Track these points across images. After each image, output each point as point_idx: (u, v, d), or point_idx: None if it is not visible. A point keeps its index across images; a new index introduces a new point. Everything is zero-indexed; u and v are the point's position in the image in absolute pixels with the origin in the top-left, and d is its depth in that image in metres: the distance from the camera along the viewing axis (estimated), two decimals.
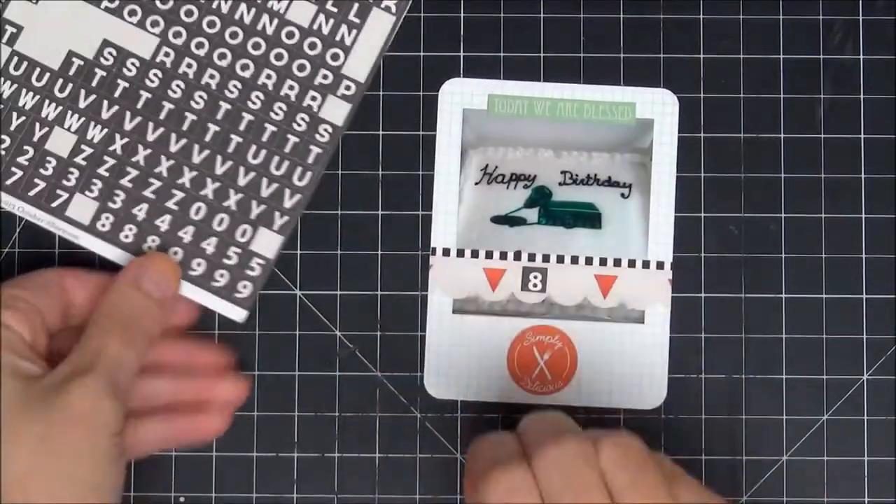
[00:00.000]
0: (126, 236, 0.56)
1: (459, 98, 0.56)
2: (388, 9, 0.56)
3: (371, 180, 0.56)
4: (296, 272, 0.56)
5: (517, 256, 0.55)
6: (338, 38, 0.56)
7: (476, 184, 0.56)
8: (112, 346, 0.50)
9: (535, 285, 0.55)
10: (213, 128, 0.56)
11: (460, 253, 0.55)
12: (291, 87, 0.56)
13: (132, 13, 0.57)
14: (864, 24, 0.56)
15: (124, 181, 0.56)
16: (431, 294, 0.55)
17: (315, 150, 0.56)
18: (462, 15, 0.57)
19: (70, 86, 0.56)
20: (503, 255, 0.55)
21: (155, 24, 0.57)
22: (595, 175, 0.56)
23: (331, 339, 0.56)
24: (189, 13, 0.57)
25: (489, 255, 0.55)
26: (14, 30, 0.56)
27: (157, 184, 0.56)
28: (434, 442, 0.55)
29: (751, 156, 0.56)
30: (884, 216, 0.55)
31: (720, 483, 0.55)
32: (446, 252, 0.55)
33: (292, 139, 0.56)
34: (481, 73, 0.56)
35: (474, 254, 0.55)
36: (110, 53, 0.56)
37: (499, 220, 0.55)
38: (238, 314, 0.55)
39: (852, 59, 0.56)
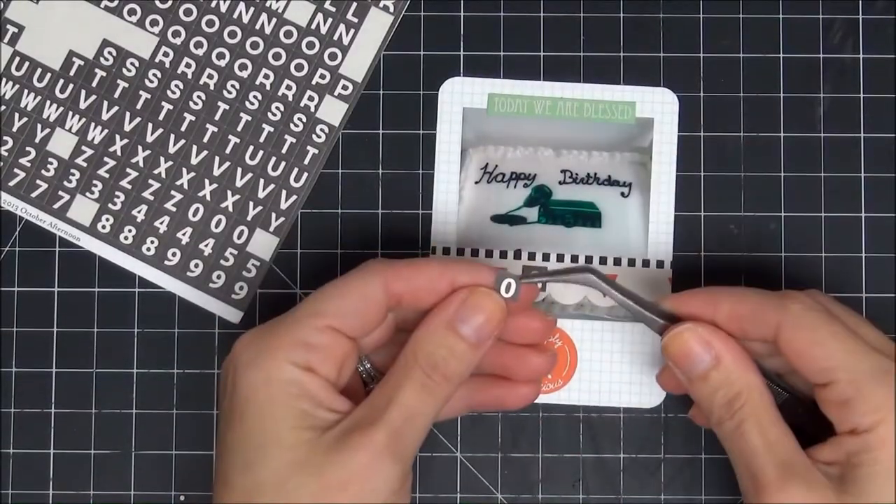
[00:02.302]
0: (126, 237, 0.56)
1: (459, 97, 0.56)
2: (386, 8, 0.56)
3: (371, 179, 0.56)
4: (296, 271, 0.56)
5: (517, 255, 0.55)
6: (336, 37, 0.56)
7: (476, 183, 0.56)
8: (408, 394, 0.46)
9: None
10: (211, 129, 0.56)
11: (460, 252, 0.55)
12: (289, 87, 0.56)
13: (132, 12, 0.57)
14: (864, 23, 0.56)
15: (124, 182, 0.56)
16: None
17: (312, 150, 0.56)
18: (462, 14, 0.56)
19: (71, 86, 0.56)
20: (503, 254, 0.55)
21: (154, 23, 0.57)
22: (595, 174, 0.56)
23: None
24: (188, 12, 0.57)
25: (489, 253, 0.55)
26: (16, 30, 0.57)
27: (156, 185, 0.56)
28: (434, 442, 0.55)
29: (751, 155, 0.56)
30: (884, 215, 0.55)
31: (720, 483, 0.55)
32: (446, 251, 0.55)
33: (289, 140, 0.56)
34: (481, 72, 0.56)
35: (474, 252, 0.55)
36: (110, 53, 0.56)
37: (499, 219, 0.56)
38: (234, 315, 0.56)
39: (852, 58, 0.56)
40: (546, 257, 0.55)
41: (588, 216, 0.55)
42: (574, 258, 0.55)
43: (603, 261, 0.55)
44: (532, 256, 0.55)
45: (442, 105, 0.56)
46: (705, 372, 0.48)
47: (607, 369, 0.55)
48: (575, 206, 0.55)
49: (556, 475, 0.55)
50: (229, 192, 0.56)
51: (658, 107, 0.55)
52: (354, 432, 0.45)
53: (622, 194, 0.55)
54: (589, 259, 0.55)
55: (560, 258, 0.55)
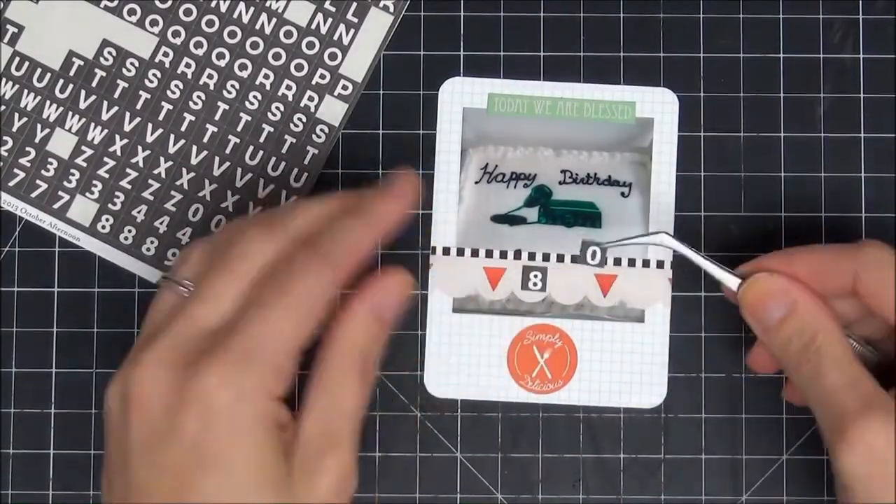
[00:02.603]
0: (125, 238, 0.56)
1: (459, 97, 0.56)
2: (386, 8, 0.56)
3: (371, 179, 0.56)
4: None
5: (517, 255, 0.55)
6: (336, 37, 0.56)
7: (476, 183, 0.56)
8: (357, 399, 0.46)
9: (535, 284, 0.55)
10: (211, 128, 0.56)
11: (460, 252, 0.55)
12: (289, 87, 0.56)
13: (132, 12, 0.57)
14: (864, 23, 0.56)
15: (124, 182, 0.56)
16: (431, 293, 0.55)
17: (312, 150, 0.56)
18: (462, 14, 0.56)
19: (71, 86, 0.56)
20: (503, 255, 0.55)
21: (154, 23, 0.57)
22: (595, 174, 0.56)
23: None
24: (188, 12, 0.57)
25: (489, 254, 0.55)
26: (15, 30, 0.57)
27: (156, 185, 0.56)
28: (434, 441, 0.55)
29: (751, 155, 0.56)
30: (884, 216, 0.55)
31: (720, 482, 0.55)
32: (446, 251, 0.55)
33: (289, 140, 0.56)
34: (481, 72, 0.56)
35: (474, 253, 0.55)
36: (110, 53, 0.56)
37: (499, 219, 0.55)
38: None
39: (852, 58, 0.56)
40: (546, 257, 0.55)
41: (588, 216, 0.55)
42: (574, 258, 0.55)
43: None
44: (532, 256, 0.55)
45: (442, 105, 0.56)
46: (782, 319, 0.48)
47: (607, 369, 0.55)
48: (575, 206, 0.55)
49: (556, 475, 0.55)
50: (229, 193, 0.56)
51: (658, 107, 0.55)
52: (324, 456, 0.45)
53: (622, 194, 0.55)
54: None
55: (560, 258, 0.55)
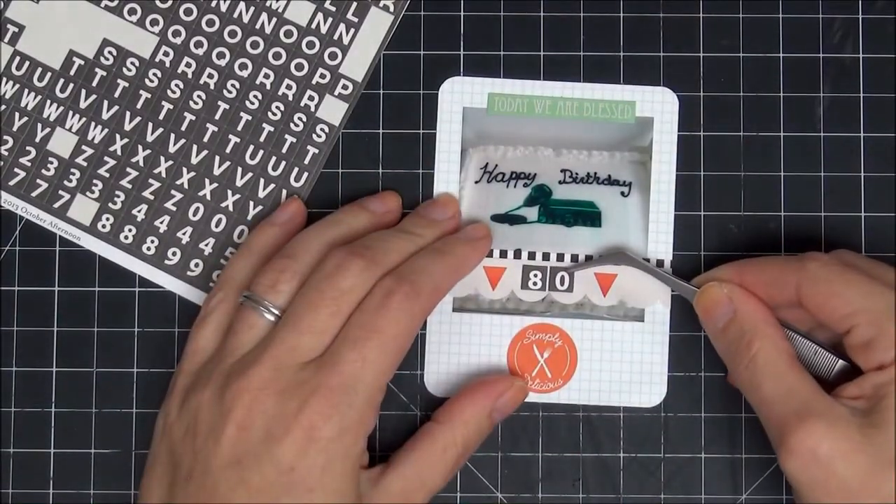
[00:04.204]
0: (126, 237, 0.56)
1: (459, 97, 0.56)
2: (386, 8, 0.56)
3: (371, 179, 0.56)
4: None
5: (517, 255, 0.55)
6: (336, 37, 0.56)
7: (476, 182, 0.56)
8: (440, 480, 0.52)
9: (535, 283, 0.55)
10: (211, 128, 0.56)
11: None
12: (289, 87, 0.56)
13: (132, 11, 0.57)
14: (864, 22, 0.56)
15: (124, 182, 0.56)
16: None
17: (312, 150, 0.56)
18: (462, 14, 0.56)
19: (71, 86, 0.56)
20: (503, 254, 0.55)
21: (154, 22, 0.57)
22: (595, 173, 0.56)
23: None
24: (188, 12, 0.57)
25: (489, 253, 0.55)
26: (16, 29, 0.57)
27: (156, 185, 0.56)
28: None
29: (750, 154, 0.56)
30: (884, 215, 0.55)
31: (720, 481, 0.55)
32: None
33: (290, 139, 0.56)
34: (481, 71, 0.56)
35: None
36: (110, 53, 0.56)
37: (499, 218, 0.55)
38: None
39: (852, 57, 0.56)
40: (546, 257, 0.55)
41: (588, 215, 0.55)
42: (574, 257, 0.55)
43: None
44: (532, 256, 0.55)
45: (442, 105, 0.56)
46: (724, 325, 0.50)
47: (607, 368, 0.55)
48: (575, 205, 0.55)
49: (556, 475, 0.55)
50: (229, 192, 0.56)
51: (658, 106, 0.55)
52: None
53: (622, 194, 0.55)
54: (589, 258, 0.55)
55: (560, 258, 0.55)
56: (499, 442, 0.55)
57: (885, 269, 0.50)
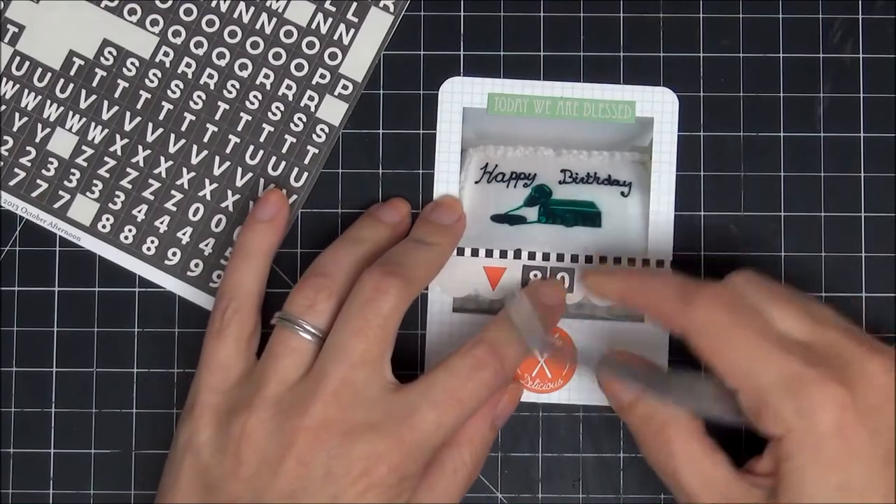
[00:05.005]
0: (126, 237, 0.56)
1: (459, 97, 0.56)
2: (386, 8, 0.56)
3: (371, 179, 0.56)
4: (296, 271, 0.56)
5: (517, 255, 0.55)
6: (336, 37, 0.57)
7: (476, 182, 0.56)
8: (456, 494, 0.51)
9: None
10: (211, 128, 0.56)
11: (460, 251, 0.55)
12: (289, 87, 0.56)
13: (132, 12, 0.57)
14: (864, 23, 0.56)
15: (124, 182, 0.56)
16: (431, 292, 0.55)
17: (312, 150, 0.56)
18: (462, 14, 0.56)
19: (71, 86, 0.56)
20: (503, 254, 0.55)
21: (154, 22, 0.57)
22: (595, 173, 0.56)
23: None
24: (188, 12, 0.57)
25: (489, 253, 0.55)
26: (16, 29, 0.57)
27: (156, 185, 0.56)
28: None
29: (750, 154, 0.56)
30: (884, 215, 0.55)
31: None
32: None
33: (290, 139, 0.56)
34: (481, 72, 0.56)
35: (474, 252, 0.55)
36: (110, 53, 0.57)
37: (499, 218, 0.55)
38: None
39: (852, 57, 0.56)
40: (546, 257, 0.55)
41: (588, 216, 0.55)
42: (574, 258, 0.55)
43: (603, 260, 0.55)
44: (532, 256, 0.55)
45: (442, 105, 0.56)
46: (631, 402, 0.50)
47: None
48: (575, 205, 0.55)
49: (556, 475, 0.55)
50: (230, 192, 0.56)
51: (658, 106, 0.55)
52: None
53: (622, 194, 0.55)
54: (589, 259, 0.55)
55: (560, 258, 0.55)
56: (499, 442, 0.55)
57: (795, 315, 0.48)
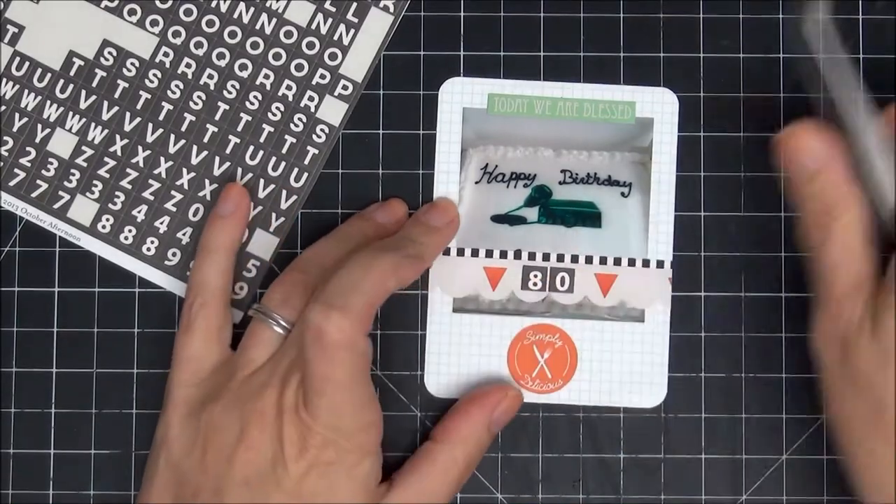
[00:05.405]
0: (126, 238, 0.56)
1: (459, 97, 0.56)
2: (386, 8, 0.56)
3: (371, 179, 0.56)
4: None
5: (517, 255, 0.55)
6: (336, 37, 0.57)
7: (476, 183, 0.56)
8: (445, 493, 0.51)
9: (535, 284, 0.55)
10: (211, 129, 0.56)
11: (460, 252, 0.55)
12: (289, 87, 0.56)
13: (132, 12, 0.57)
14: (864, 22, 0.56)
15: (124, 182, 0.56)
16: (431, 293, 0.55)
17: (312, 150, 0.56)
18: (462, 14, 0.56)
19: (71, 86, 0.56)
20: (503, 254, 0.55)
21: (154, 23, 0.57)
22: (595, 174, 0.56)
23: None
24: (188, 12, 0.57)
25: (489, 253, 0.55)
26: (16, 30, 0.57)
27: (156, 185, 0.56)
28: None
29: (751, 155, 0.56)
30: None
31: (720, 482, 0.55)
32: (446, 251, 0.55)
33: (289, 140, 0.56)
34: (481, 72, 0.56)
35: (474, 253, 0.55)
36: (110, 53, 0.56)
37: (499, 219, 0.55)
38: (234, 315, 0.56)
39: (852, 58, 0.56)
40: (546, 257, 0.55)
41: (588, 216, 0.55)
42: (574, 258, 0.55)
43: (603, 260, 0.55)
44: (532, 256, 0.55)
45: (442, 105, 0.56)
46: (812, 175, 0.48)
47: (607, 369, 0.55)
48: (575, 206, 0.55)
49: (556, 475, 0.55)
50: None
51: (658, 107, 0.55)
52: None
53: (622, 194, 0.55)
54: (589, 259, 0.55)
55: (560, 258, 0.55)
56: (499, 442, 0.55)
57: None
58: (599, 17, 0.56)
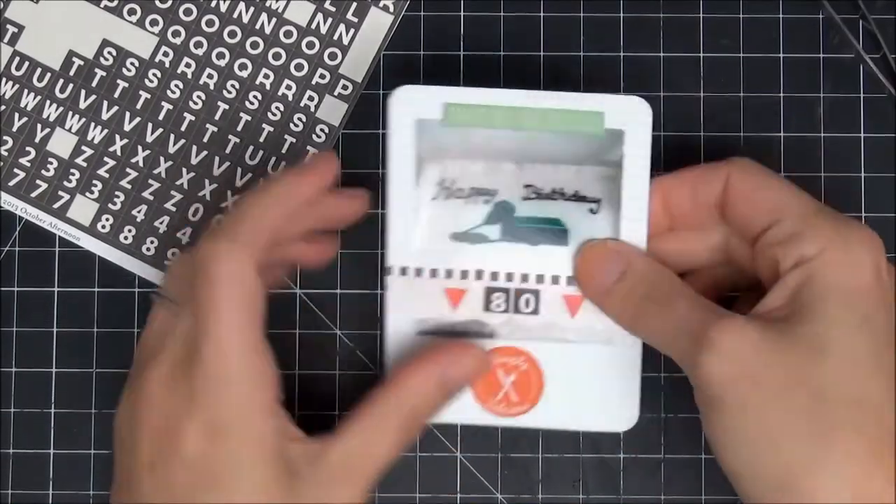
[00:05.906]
0: (125, 238, 0.56)
1: (412, 107, 0.51)
2: (386, 8, 0.56)
3: (371, 179, 0.56)
4: (296, 271, 0.56)
5: (479, 276, 0.52)
6: (336, 37, 0.57)
7: (433, 199, 0.52)
8: (389, 450, 0.47)
9: (498, 306, 0.52)
10: (211, 128, 0.56)
11: (419, 272, 0.52)
12: (289, 87, 0.56)
13: (132, 12, 0.57)
14: (864, 23, 0.56)
15: (124, 182, 0.56)
16: (391, 314, 0.52)
17: (312, 150, 0.56)
18: (462, 14, 0.56)
19: (71, 86, 0.57)
20: (464, 275, 0.52)
21: (154, 23, 0.57)
22: (561, 189, 0.53)
23: (331, 337, 0.56)
24: (188, 12, 0.57)
25: (449, 274, 0.52)
26: (15, 29, 0.57)
27: (156, 185, 0.56)
28: (434, 442, 0.55)
29: (750, 155, 0.55)
30: (884, 215, 0.55)
31: (720, 482, 0.55)
32: (404, 271, 0.52)
33: (289, 139, 0.56)
34: (481, 72, 0.56)
35: (433, 273, 0.52)
36: (110, 53, 0.57)
37: (458, 237, 0.52)
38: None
39: (852, 58, 0.56)
40: (510, 277, 0.52)
41: (554, 234, 0.52)
42: (539, 278, 0.52)
43: (570, 281, 0.52)
44: (495, 276, 0.52)
45: (393, 116, 0.51)
46: (620, 275, 0.49)
47: (575, 393, 0.52)
48: (540, 223, 0.52)
49: (556, 475, 0.55)
50: (229, 192, 0.56)
51: (629, 117, 0.51)
52: (335, 487, 0.46)
53: (591, 210, 0.52)
54: (556, 279, 0.52)
55: (525, 278, 0.52)
56: (499, 443, 0.55)
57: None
58: (600, 17, 0.56)
